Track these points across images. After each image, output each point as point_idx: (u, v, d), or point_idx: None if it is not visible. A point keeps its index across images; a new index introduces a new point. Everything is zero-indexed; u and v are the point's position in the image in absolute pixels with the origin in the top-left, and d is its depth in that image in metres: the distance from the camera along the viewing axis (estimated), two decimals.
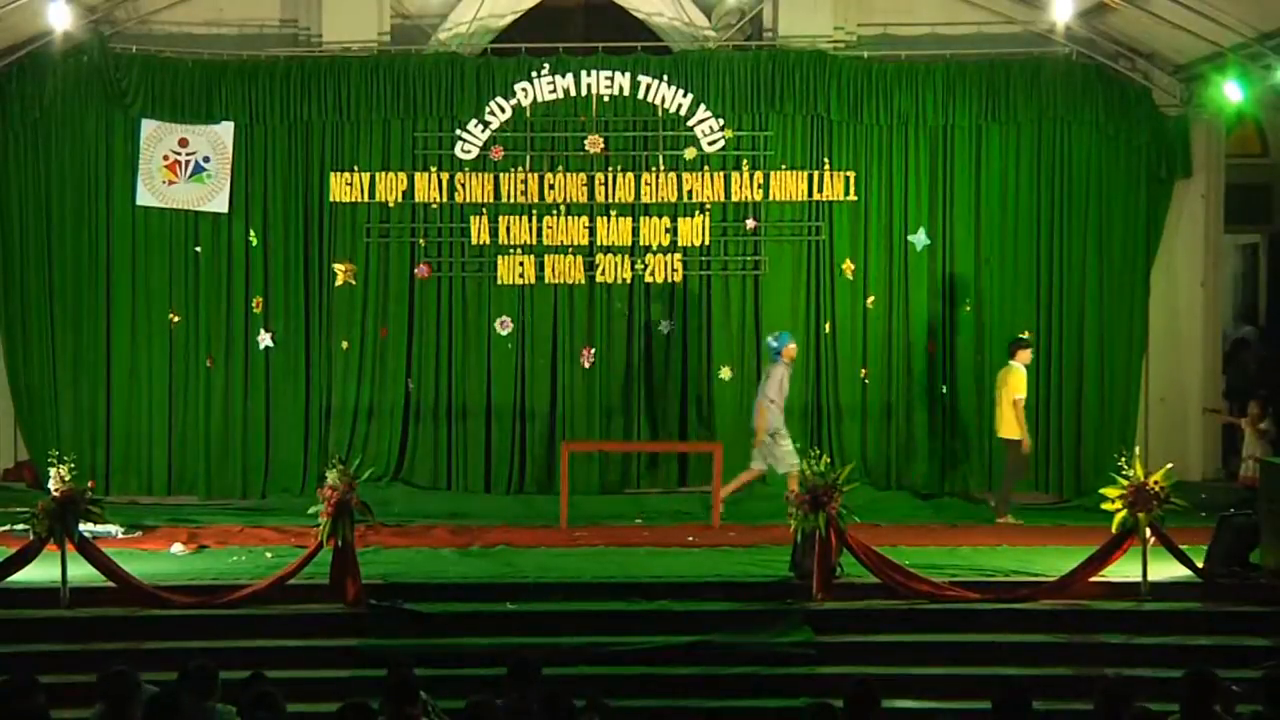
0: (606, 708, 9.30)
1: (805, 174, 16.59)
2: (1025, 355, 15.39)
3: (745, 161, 16.55)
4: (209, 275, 16.60)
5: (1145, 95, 16.57)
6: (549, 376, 16.73)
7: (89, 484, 12.86)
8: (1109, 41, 16.44)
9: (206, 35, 16.82)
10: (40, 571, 12.13)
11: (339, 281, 16.60)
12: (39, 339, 16.61)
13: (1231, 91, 15.00)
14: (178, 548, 13.94)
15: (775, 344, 15.33)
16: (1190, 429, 16.81)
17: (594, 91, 16.53)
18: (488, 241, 16.57)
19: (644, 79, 16.51)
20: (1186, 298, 16.94)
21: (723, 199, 16.58)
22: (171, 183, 16.46)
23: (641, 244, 16.59)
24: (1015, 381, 15.22)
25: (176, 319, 16.58)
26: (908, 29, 16.83)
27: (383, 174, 16.53)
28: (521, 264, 16.59)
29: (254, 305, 16.61)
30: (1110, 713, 8.47)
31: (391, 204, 16.56)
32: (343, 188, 16.53)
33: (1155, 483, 12.09)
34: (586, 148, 16.53)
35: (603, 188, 16.57)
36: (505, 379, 16.69)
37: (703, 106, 16.48)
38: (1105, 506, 12.32)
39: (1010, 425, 15.23)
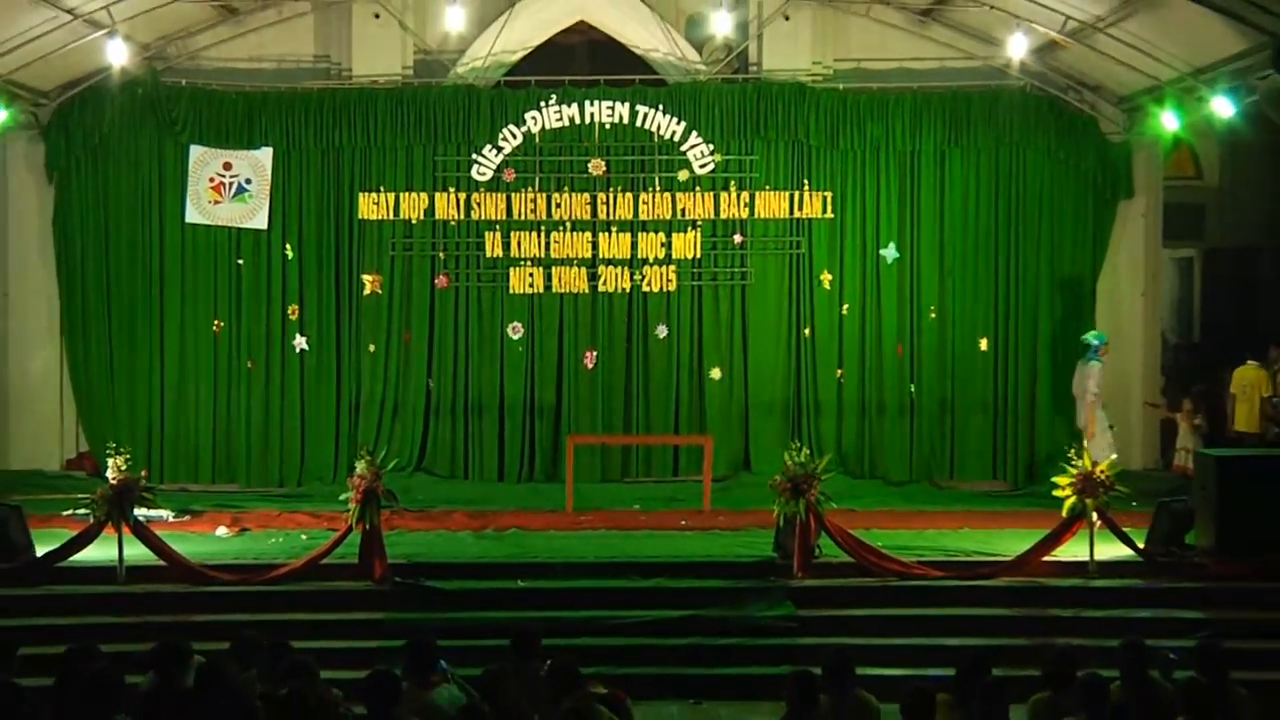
0: (609, 676, 9.37)
1: (787, 194, 16.62)
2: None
3: (733, 183, 16.59)
4: (250, 286, 16.63)
5: (1092, 124, 16.63)
6: (555, 376, 16.74)
7: (143, 473, 12.85)
8: (1059, 75, 16.48)
9: (248, 69, 16.84)
10: (99, 551, 12.18)
11: (367, 291, 16.63)
12: (98, 343, 16.63)
13: (1168, 120, 15.05)
14: (222, 530, 13.99)
15: (1096, 342, 15.34)
16: (1132, 423, 16.82)
17: (596, 120, 16.57)
18: (501, 255, 16.60)
19: (641, 108, 16.56)
20: (1129, 306, 16.98)
21: (712, 216, 16.62)
22: (217, 202, 16.50)
23: (639, 257, 16.63)
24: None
25: (221, 325, 16.61)
26: (878, 64, 16.83)
27: (406, 194, 16.58)
28: (531, 275, 16.63)
29: (290, 312, 16.63)
30: (1060, 678, 8.55)
31: (414, 221, 16.60)
32: (370, 206, 16.58)
33: (1101, 472, 12.16)
34: (590, 170, 16.57)
35: (604, 206, 16.60)
36: (516, 378, 16.71)
37: (694, 133, 16.53)
38: (1056, 493, 12.36)
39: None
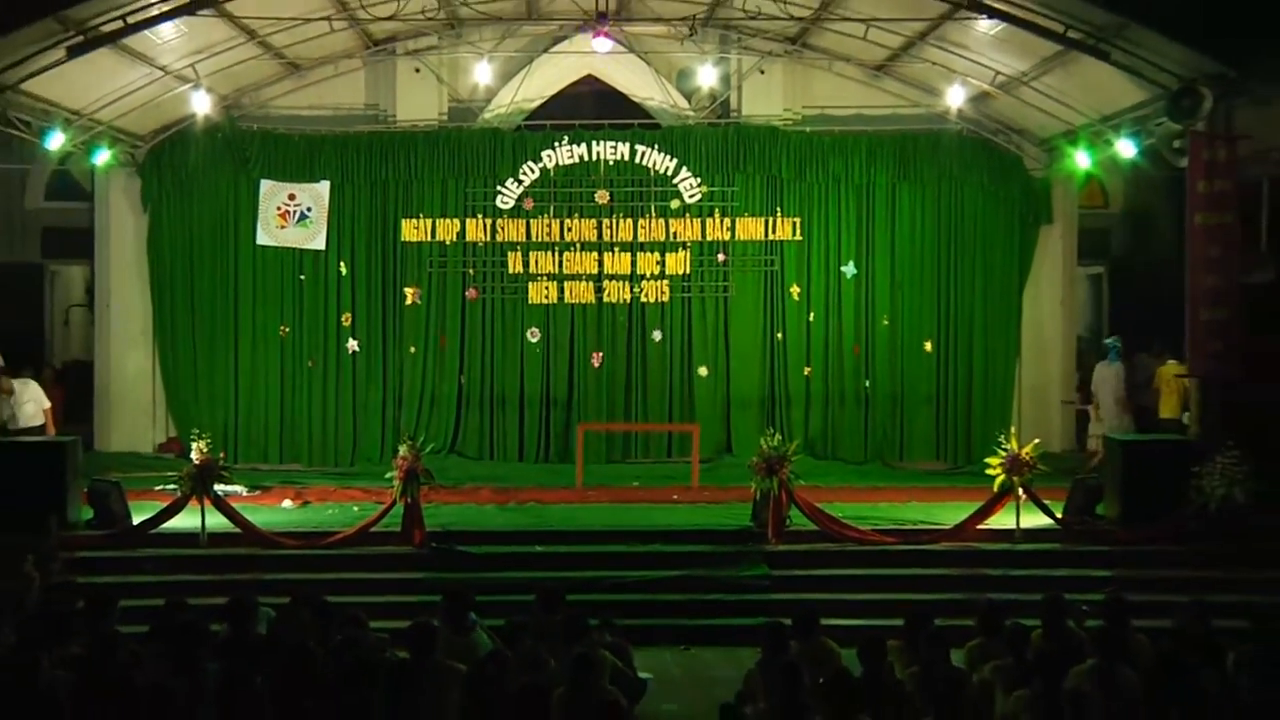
0: (613, 626, 9.38)
1: (762, 220, 16.61)
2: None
3: (716, 210, 16.56)
4: (310, 297, 16.63)
5: (1018, 162, 16.61)
6: (567, 373, 16.71)
7: (221, 454, 12.88)
8: (990, 121, 16.45)
9: (309, 116, 16.82)
10: (185, 520, 12.21)
11: (408, 302, 16.62)
12: (184, 346, 16.63)
13: (1081, 159, 15.06)
14: (287, 503, 14.00)
15: (1119, 345, 15.28)
16: (1052, 413, 16.76)
17: (601, 157, 16.55)
18: (521, 271, 16.59)
19: (640, 147, 16.53)
20: (1049, 314, 16.93)
21: (700, 239, 16.60)
22: (283, 227, 16.49)
23: (638, 273, 16.61)
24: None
25: (286, 330, 16.60)
26: (839, 110, 16.79)
27: (441, 220, 16.56)
28: (546, 288, 16.61)
29: (344, 320, 16.62)
30: (990, 627, 8.55)
31: (448, 242, 16.57)
32: (411, 230, 16.56)
33: (1026, 454, 12.15)
34: (596, 200, 16.55)
35: (608, 230, 16.58)
36: (534, 375, 16.68)
37: (684, 168, 16.51)
38: (988, 472, 12.35)
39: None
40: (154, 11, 12.76)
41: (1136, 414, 15.52)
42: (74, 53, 12.63)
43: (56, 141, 14.29)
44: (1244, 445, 12.09)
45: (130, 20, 12.68)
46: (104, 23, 12.63)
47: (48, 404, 14.44)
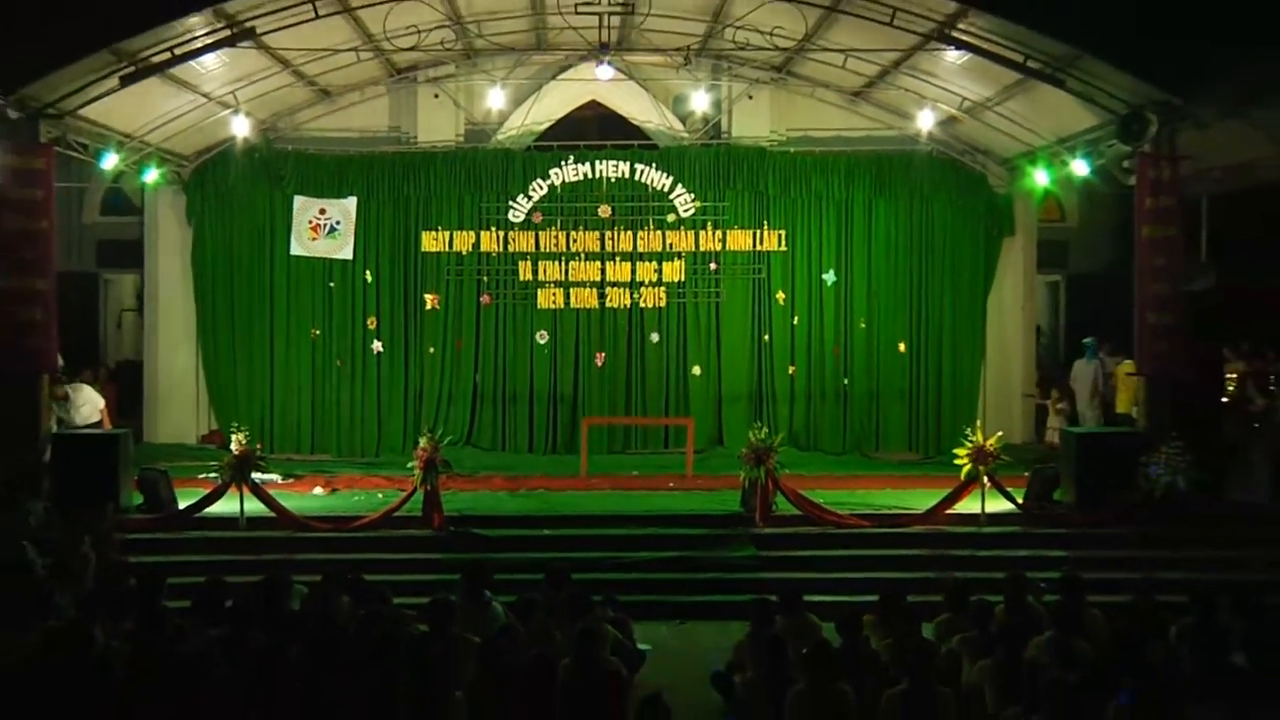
0: (615, 602, 9.41)
1: (750, 232, 16.63)
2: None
3: (709, 223, 16.59)
4: (339, 303, 16.64)
5: (983, 179, 16.64)
6: (573, 372, 16.72)
7: (258, 445, 12.91)
8: (958, 142, 16.49)
9: (338, 137, 16.83)
10: (226, 505, 12.22)
11: (428, 307, 16.64)
12: (225, 347, 16.66)
13: (1040, 177, 15.04)
14: (318, 490, 14.01)
15: (1095, 344, 15.30)
16: (1013, 408, 16.83)
17: (604, 175, 16.56)
18: (530, 279, 16.60)
19: (639, 166, 16.55)
20: (1011, 318, 16.96)
21: (693, 249, 16.63)
22: (314, 239, 16.51)
23: (637, 280, 16.63)
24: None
25: (317, 333, 16.62)
26: (820, 132, 16.81)
27: (458, 232, 16.58)
28: (554, 294, 16.63)
29: (369, 323, 16.63)
30: (957, 603, 8.58)
31: (464, 253, 16.59)
32: (430, 241, 16.58)
33: (990, 445, 12.19)
34: (599, 214, 16.56)
35: (610, 241, 16.60)
36: (542, 374, 16.70)
37: (679, 185, 16.53)
38: (956, 461, 12.38)
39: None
40: (198, 44, 12.80)
41: (1103, 407, 15.61)
42: (126, 81, 12.68)
43: (110, 162, 14.33)
44: (1187, 438, 12.17)
45: (177, 52, 12.73)
46: (154, 54, 12.68)
47: (102, 402, 14.44)
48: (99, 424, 14.20)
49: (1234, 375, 14.70)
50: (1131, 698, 6.16)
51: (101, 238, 17.94)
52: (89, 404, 14.25)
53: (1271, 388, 14.17)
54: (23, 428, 12.57)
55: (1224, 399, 13.99)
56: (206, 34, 12.82)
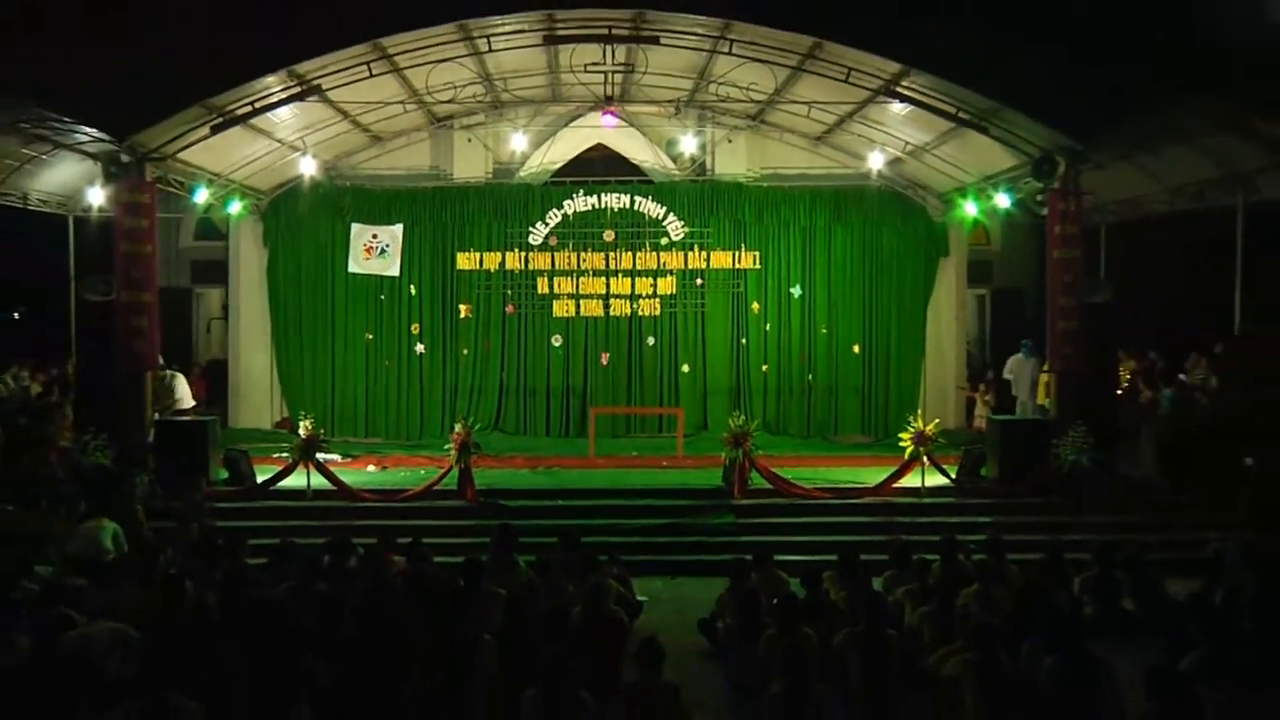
0: (617, 561, 9.42)
1: (730, 253, 16.62)
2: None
3: (696, 246, 16.58)
4: (388, 312, 16.63)
5: (922, 210, 16.66)
6: (582, 369, 16.70)
7: (321, 430, 12.96)
8: (902, 179, 16.50)
9: (388, 175, 16.83)
10: (295, 480, 12.29)
11: (462, 316, 16.63)
12: (294, 349, 16.69)
13: (969, 208, 15.11)
14: (371, 468, 14.07)
15: (1031, 344, 14.89)
16: (948, 399, 16.84)
17: (608, 205, 16.55)
18: (547, 292, 16.59)
19: (637, 198, 16.55)
20: (946, 325, 16.98)
21: (683, 267, 16.60)
22: (368, 259, 16.49)
23: (636, 293, 16.61)
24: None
25: (370, 337, 16.62)
26: (788, 170, 16.83)
27: (487, 253, 16.57)
28: (567, 305, 16.62)
29: (413, 329, 16.63)
30: (901, 561, 8.63)
31: (492, 270, 16.58)
32: (464, 261, 16.58)
33: (929, 431, 12.22)
34: (604, 238, 16.55)
35: (613, 260, 16.57)
36: (557, 371, 16.69)
37: (671, 214, 16.54)
38: (901, 443, 12.40)
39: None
40: (274, 98, 12.83)
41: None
42: (215, 130, 12.73)
43: (201, 196, 14.39)
44: (1088, 424, 12.23)
45: (257, 105, 12.76)
46: (237, 107, 12.70)
47: (190, 391, 14.64)
48: (193, 408, 14.30)
49: (1126, 372, 14.78)
50: (1063, 656, 6.11)
51: (194, 259, 17.91)
52: (184, 391, 14.39)
53: (1157, 381, 14.26)
54: (131, 415, 12.61)
55: (1118, 391, 14.06)
56: (280, 90, 12.84)
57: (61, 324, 15.68)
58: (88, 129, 12.57)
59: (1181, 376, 13.98)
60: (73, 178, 14.62)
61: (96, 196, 14.33)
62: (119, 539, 9.51)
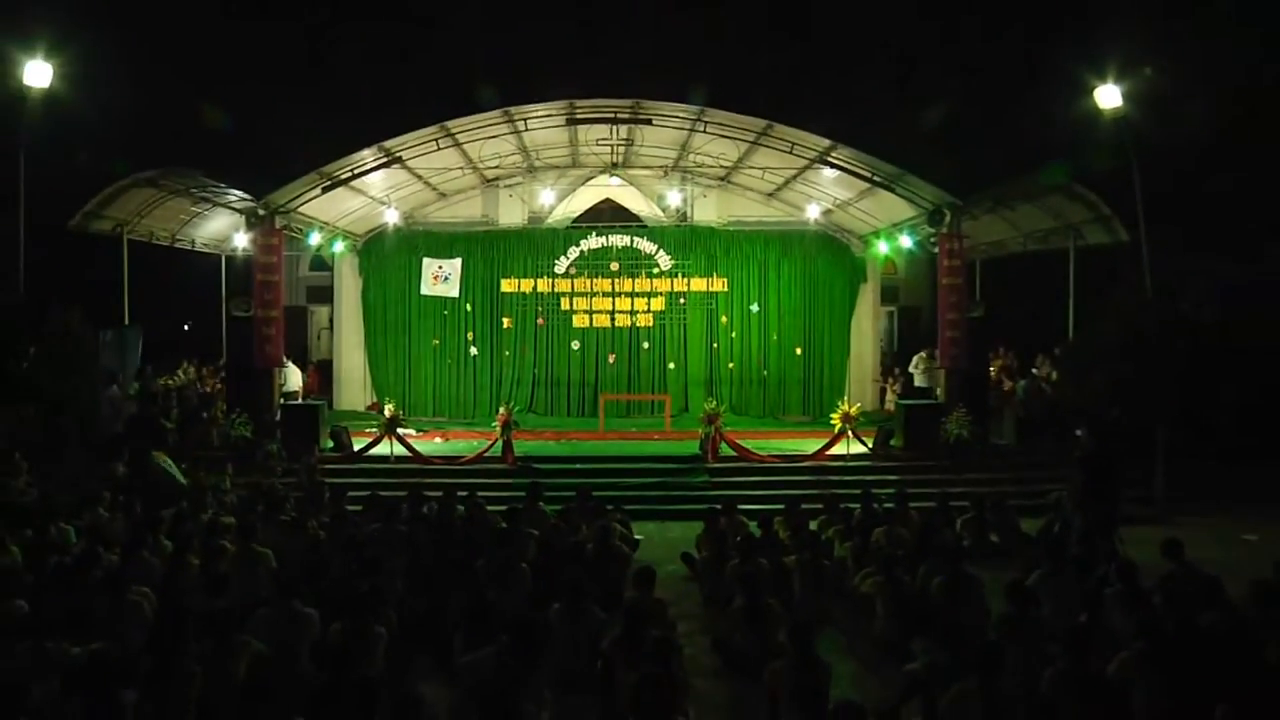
0: (620, 509, 9.44)
1: (706, 279, 16.47)
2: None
3: (680, 273, 16.46)
4: (450, 323, 16.48)
5: (848, 248, 16.56)
6: (595, 366, 16.59)
7: (401, 411, 12.93)
8: (832, 225, 16.43)
9: (449, 221, 16.70)
10: (382, 448, 12.23)
11: (505, 326, 16.50)
12: (381, 351, 16.54)
13: (882, 247, 15.10)
14: (438, 440, 13.99)
15: (929, 349, 14.57)
16: (866, 388, 16.71)
17: (614, 244, 16.43)
18: (569, 309, 16.47)
19: (636, 238, 16.43)
20: (865, 334, 16.83)
21: (670, 290, 16.45)
22: (435, 285, 16.34)
23: (634, 309, 16.47)
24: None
25: (437, 343, 16.47)
26: (749, 217, 16.70)
27: (523, 279, 16.42)
28: (583, 318, 16.48)
29: (469, 336, 16.51)
30: (831, 510, 8.67)
31: (527, 292, 16.45)
32: (506, 285, 16.38)
33: (853, 412, 12.23)
34: (610, 268, 16.43)
35: (618, 285, 16.42)
36: (576, 368, 16.56)
37: (661, 250, 16.40)
38: (832, 421, 12.40)
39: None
40: (368, 166, 12.84)
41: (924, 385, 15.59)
42: (325, 190, 12.75)
43: (314, 239, 14.40)
44: (969, 405, 12.28)
45: (355, 171, 12.77)
46: (342, 173, 12.71)
47: (300, 379, 14.75)
48: (298, 392, 14.31)
49: (994, 367, 14.80)
50: (948, 576, 6.14)
51: (309, 284, 17.88)
52: (294, 379, 14.41)
53: (1015, 375, 14.29)
54: (263, 400, 12.67)
55: (988, 382, 14.10)
56: (372, 161, 12.84)
57: (216, 332, 16.02)
58: (235, 191, 12.88)
59: (1033, 371, 14.03)
60: (224, 227, 15.02)
61: (240, 240, 14.86)
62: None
